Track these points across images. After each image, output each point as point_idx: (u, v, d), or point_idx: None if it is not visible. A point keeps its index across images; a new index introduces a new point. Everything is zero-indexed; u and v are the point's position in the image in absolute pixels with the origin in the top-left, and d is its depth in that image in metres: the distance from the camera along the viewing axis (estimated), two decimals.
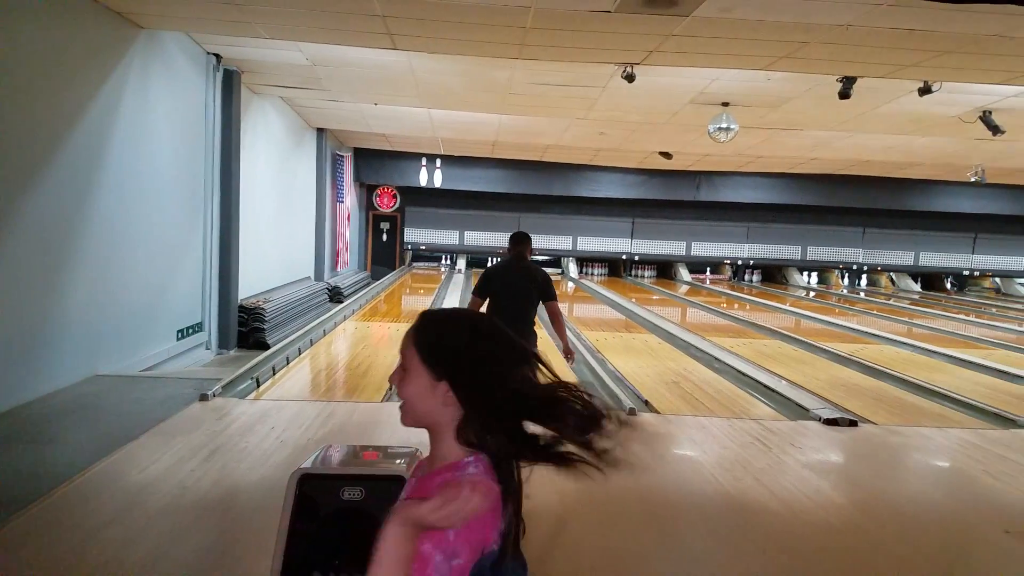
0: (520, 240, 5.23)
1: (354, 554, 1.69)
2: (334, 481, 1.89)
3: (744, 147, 13.20)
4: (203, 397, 5.34)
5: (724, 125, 9.61)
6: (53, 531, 3.12)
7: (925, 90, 7.85)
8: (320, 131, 14.13)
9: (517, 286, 5.00)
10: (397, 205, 19.93)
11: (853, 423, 5.51)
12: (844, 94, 7.88)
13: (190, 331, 7.88)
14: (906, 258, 21.24)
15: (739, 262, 21.26)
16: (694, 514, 3.77)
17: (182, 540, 3.09)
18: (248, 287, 9.52)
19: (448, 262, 21.08)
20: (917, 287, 21.52)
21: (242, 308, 9.09)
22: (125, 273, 6.47)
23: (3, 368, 4.86)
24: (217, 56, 8.17)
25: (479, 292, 5.08)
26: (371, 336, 9.59)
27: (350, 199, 17.40)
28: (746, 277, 21.88)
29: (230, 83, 8.51)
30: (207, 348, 8.30)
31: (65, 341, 5.56)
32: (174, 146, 7.41)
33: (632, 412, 5.45)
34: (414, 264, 20.81)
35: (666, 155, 14.88)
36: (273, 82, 9.72)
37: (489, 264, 22.13)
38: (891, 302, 17.51)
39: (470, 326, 1.32)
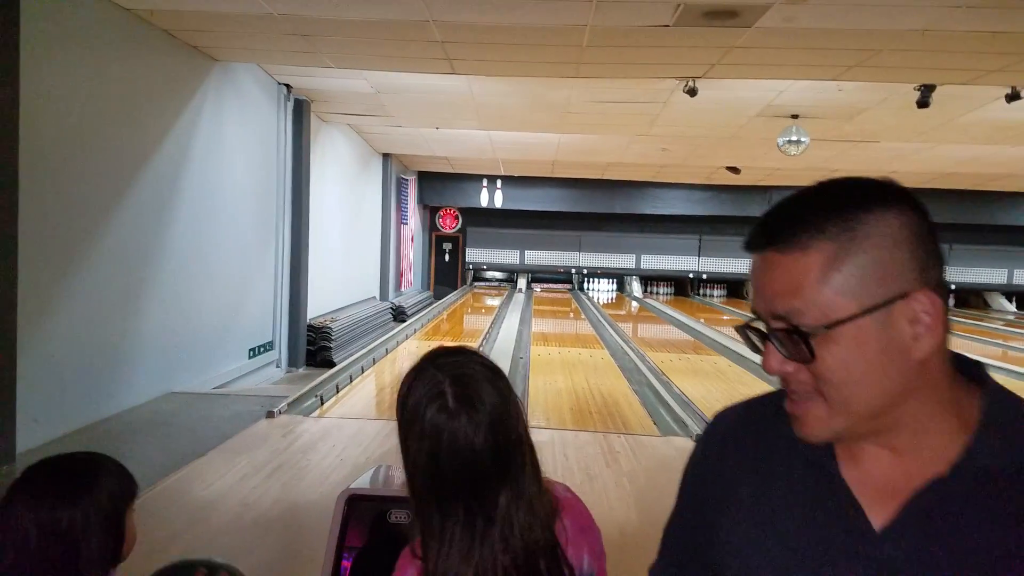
0: None
1: None
2: (381, 503, 1.86)
3: (817, 160, 12.75)
4: (269, 414, 5.48)
5: (794, 138, 9.31)
6: None
7: (1013, 96, 7.42)
8: (386, 156, 14.47)
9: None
10: (459, 226, 20.16)
11: None
12: (923, 103, 7.52)
13: (261, 350, 8.11)
14: (998, 276, 19.96)
15: None
16: None
17: (242, 558, 3.13)
18: (317, 307, 9.76)
19: (509, 281, 21.16)
20: (1012, 307, 20.17)
21: (311, 327, 9.33)
22: (200, 294, 6.72)
23: (84, 385, 5.10)
24: (288, 86, 8.47)
25: None
26: None
27: (414, 221, 17.70)
28: None
29: (300, 112, 8.81)
30: (277, 366, 8.54)
31: (142, 360, 5.80)
32: (247, 173, 7.69)
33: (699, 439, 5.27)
34: (475, 283, 20.94)
35: (734, 170, 14.54)
36: (340, 110, 10.00)
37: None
38: (982, 323, 16.53)
39: None
